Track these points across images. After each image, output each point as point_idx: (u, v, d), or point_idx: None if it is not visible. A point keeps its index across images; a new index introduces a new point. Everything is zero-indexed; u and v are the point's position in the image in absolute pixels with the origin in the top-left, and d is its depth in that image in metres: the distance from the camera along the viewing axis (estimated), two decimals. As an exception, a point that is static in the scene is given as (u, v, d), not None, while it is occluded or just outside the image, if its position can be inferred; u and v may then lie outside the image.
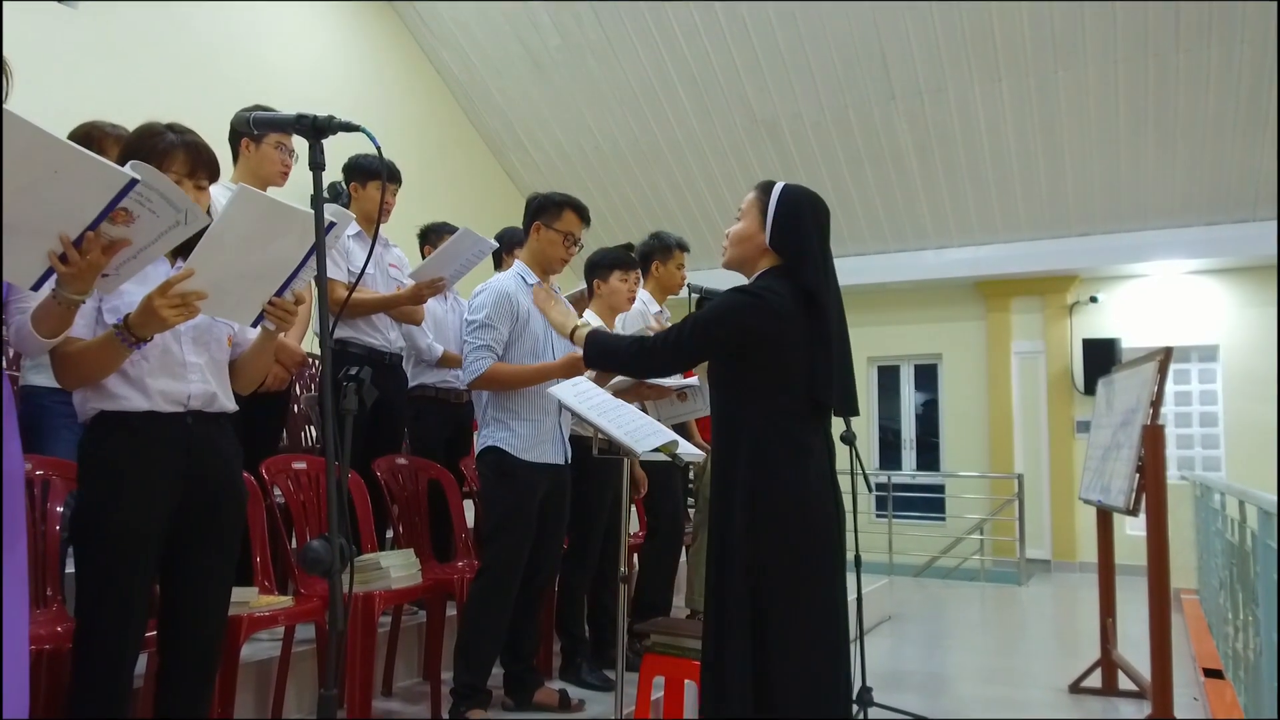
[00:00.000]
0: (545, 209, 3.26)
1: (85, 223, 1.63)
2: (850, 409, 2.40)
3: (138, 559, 1.97)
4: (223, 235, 1.82)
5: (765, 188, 2.43)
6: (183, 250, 1.88)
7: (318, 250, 1.69)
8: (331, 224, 1.91)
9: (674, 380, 3.90)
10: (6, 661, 1.53)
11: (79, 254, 1.65)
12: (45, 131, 1.51)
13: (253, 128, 1.84)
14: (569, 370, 3.04)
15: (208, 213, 2.09)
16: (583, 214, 3.28)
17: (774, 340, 2.25)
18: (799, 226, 2.34)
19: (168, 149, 2.00)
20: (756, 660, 2.16)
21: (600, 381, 3.14)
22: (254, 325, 2.06)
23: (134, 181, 1.61)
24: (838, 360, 2.31)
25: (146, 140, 2.01)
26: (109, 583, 1.94)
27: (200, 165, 2.04)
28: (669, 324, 4.39)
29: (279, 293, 2.00)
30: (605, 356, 2.50)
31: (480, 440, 3.18)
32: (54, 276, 1.68)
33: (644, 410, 3.73)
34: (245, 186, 1.89)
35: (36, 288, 1.70)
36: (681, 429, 4.19)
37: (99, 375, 1.95)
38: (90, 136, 2.67)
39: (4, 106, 1.41)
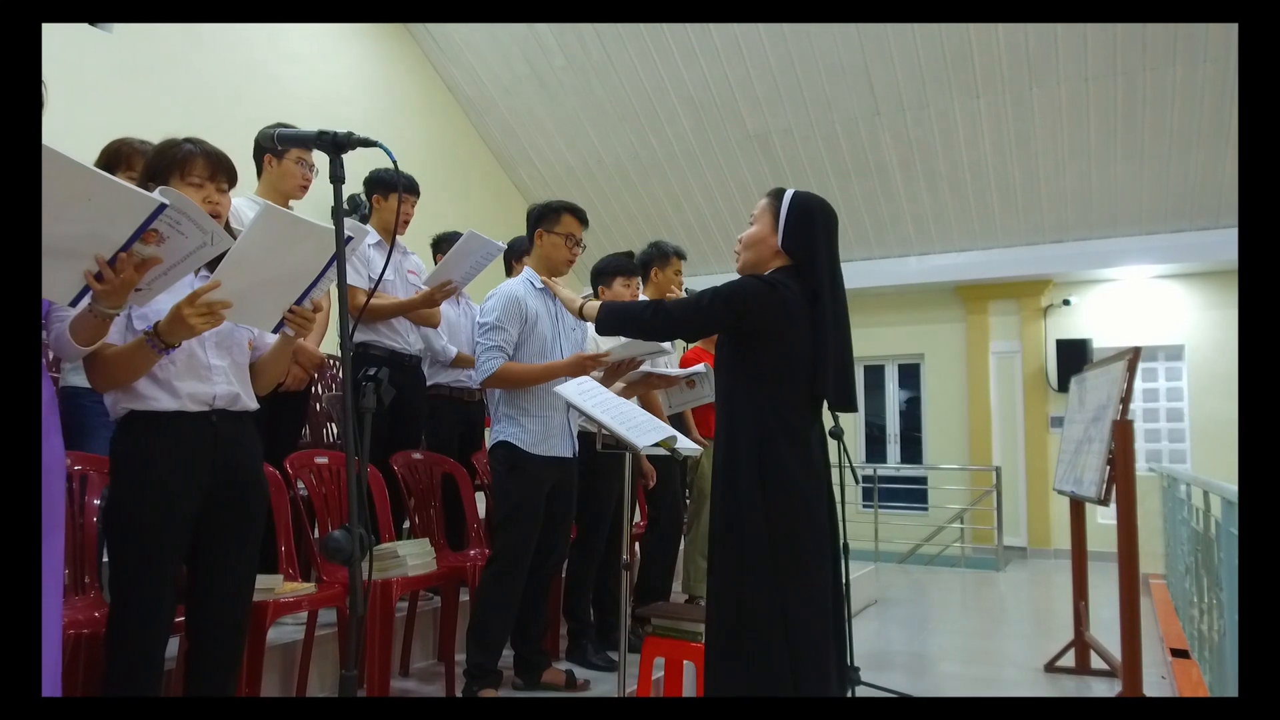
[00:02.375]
0: (545, 216, 3.26)
1: (118, 244, 1.65)
2: (849, 404, 2.37)
3: (167, 549, 1.98)
4: (247, 249, 1.84)
5: (777, 194, 2.40)
6: (210, 264, 1.90)
7: (338, 259, 1.70)
8: (349, 238, 1.92)
9: (680, 369, 3.90)
10: (45, 646, 1.53)
11: (113, 272, 1.66)
12: (79, 162, 1.53)
13: (277, 144, 1.85)
14: (575, 368, 3.04)
15: (229, 223, 2.10)
16: (580, 216, 3.28)
17: (780, 329, 2.25)
18: (809, 230, 2.33)
19: (187, 157, 2.01)
20: (788, 641, 2.15)
21: (605, 382, 3.14)
22: (274, 331, 2.07)
23: (162, 206, 1.63)
24: (837, 358, 2.30)
25: (167, 152, 2.02)
26: (140, 571, 1.95)
27: (219, 170, 2.05)
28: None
29: (299, 301, 2.01)
30: (620, 319, 2.49)
31: (492, 435, 3.19)
32: (90, 293, 1.69)
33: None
34: (270, 205, 1.89)
35: (74, 304, 1.72)
36: (680, 424, 4.20)
37: (129, 379, 1.96)
38: (120, 152, 2.68)
39: (42, 141, 1.41)
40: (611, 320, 2.49)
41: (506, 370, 3.10)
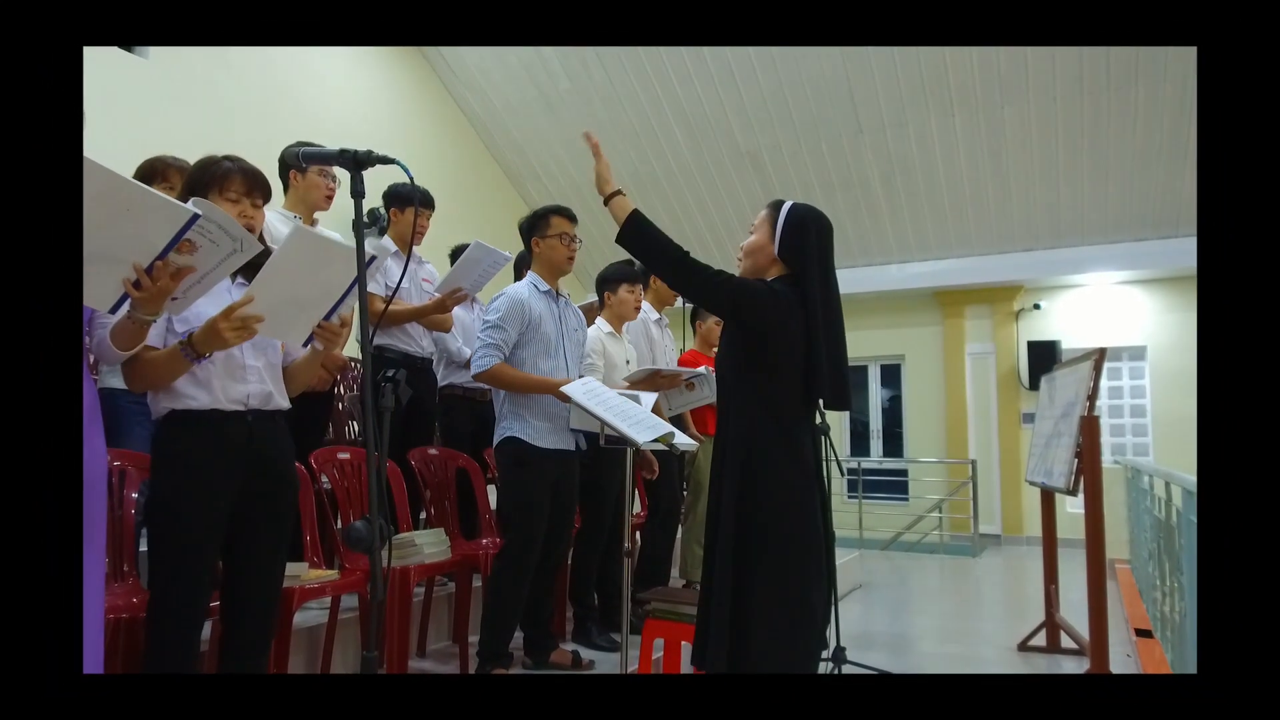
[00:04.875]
0: (536, 225, 3.23)
1: (155, 253, 1.64)
2: (844, 404, 2.33)
3: (205, 539, 1.97)
4: (279, 267, 1.84)
5: (776, 205, 2.38)
6: (245, 270, 1.90)
7: (358, 269, 1.69)
8: (373, 257, 1.91)
9: (684, 370, 3.88)
10: (87, 628, 1.54)
11: (150, 280, 1.66)
12: (118, 175, 1.52)
13: (302, 161, 1.85)
14: (558, 392, 2.95)
15: (261, 235, 2.10)
16: (567, 214, 3.22)
17: (776, 332, 2.23)
18: (803, 239, 2.31)
19: (226, 174, 2.01)
20: (735, 621, 2.15)
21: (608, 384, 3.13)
22: (304, 345, 2.06)
23: (196, 216, 1.63)
24: (831, 359, 2.28)
25: (207, 169, 2.01)
26: (181, 560, 1.95)
27: (255, 186, 2.05)
28: (667, 329, 4.39)
29: (327, 317, 2.01)
30: (645, 243, 2.30)
31: (499, 432, 3.15)
32: (129, 300, 1.69)
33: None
34: (301, 227, 1.89)
35: (113, 311, 1.71)
36: (678, 421, 4.19)
37: (164, 383, 1.96)
38: (155, 169, 2.68)
39: (84, 154, 1.41)
40: (637, 237, 2.30)
41: (499, 371, 3.05)
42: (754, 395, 2.26)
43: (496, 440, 3.16)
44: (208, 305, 1.93)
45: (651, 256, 2.33)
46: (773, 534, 2.17)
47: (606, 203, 2.39)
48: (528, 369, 3.10)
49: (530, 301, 3.12)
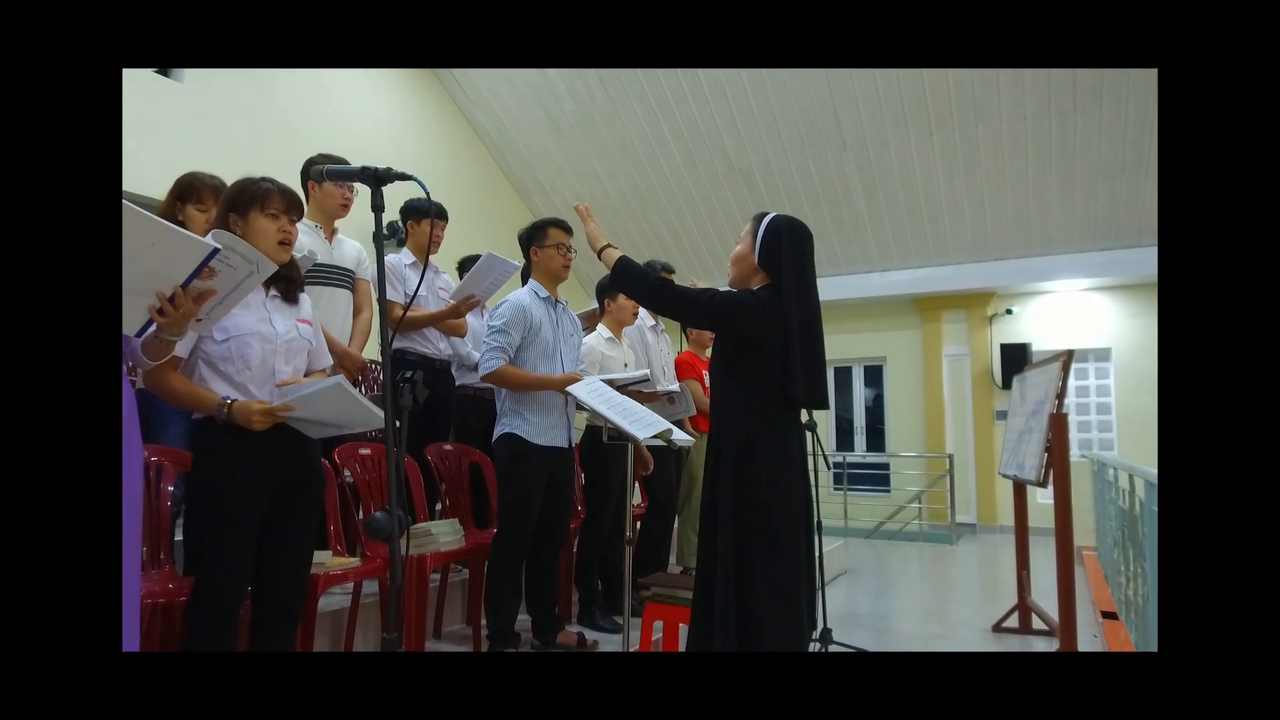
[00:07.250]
0: (534, 236, 3.22)
1: (178, 282, 1.66)
2: (821, 403, 2.32)
3: (243, 530, 1.99)
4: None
5: (759, 218, 2.39)
6: (274, 282, 1.89)
7: (378, 277, 1.69)
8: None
9: (662, 386, 3.89)
10: (126, 610, 1.54)
11: (173, 307, 1.68)
12: (144, 213, 1.54)
13: (327, 178, 1.85)
14: (567, 384, 2.98)
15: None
16: (563, 226, 3.23)
17: (762, 337, 2.24)
18: (778, 248, 2.32)
19: (266, 193, 2.04)
20: (740, 604, 2.15)
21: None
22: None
23: (215, 250, 1.64)
24: (807, 361, 2.28)
25: (248, 188, 2.04)
26: (220, 549, 1.97)
27: (292, 205, 2.09)
28: (663, 334, 4.39)
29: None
30: (629, 280, 2.42)
31: (498, 428, 3.14)
32: (154, 325, 1.72)
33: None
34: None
35: (139, 335, 1.74)
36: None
37: (180, 405, 2.02)
38: (192, 186, 2.66)
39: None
40: (622, 276, 2.41)
41: (505, 372, 3.06)
42: (743, 396, 2.27)
43: (496, 435, 3.15)
44: (244, 314, 1.98)
45: (638, 292, 2.45)
46: (767, 526, 2.18)
47: (599, 255, 2.52)
48: (528, 370, 3.10)
49: (531, 308, 3.12)
